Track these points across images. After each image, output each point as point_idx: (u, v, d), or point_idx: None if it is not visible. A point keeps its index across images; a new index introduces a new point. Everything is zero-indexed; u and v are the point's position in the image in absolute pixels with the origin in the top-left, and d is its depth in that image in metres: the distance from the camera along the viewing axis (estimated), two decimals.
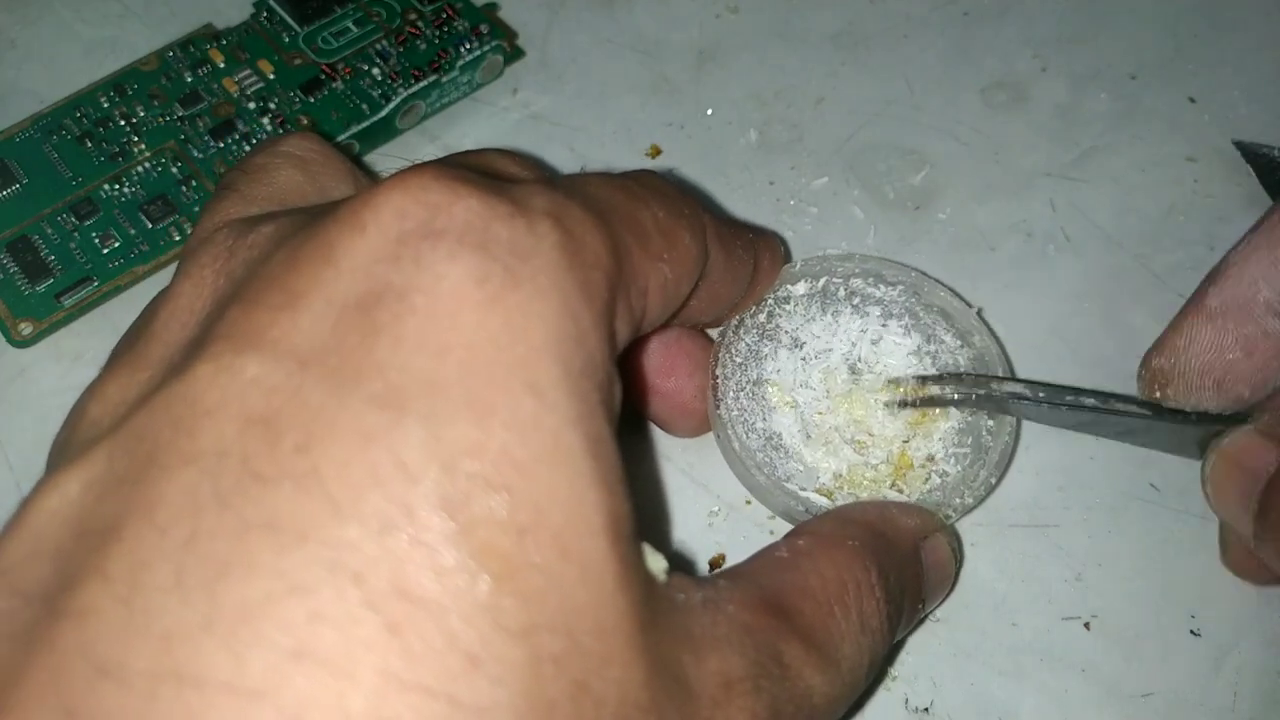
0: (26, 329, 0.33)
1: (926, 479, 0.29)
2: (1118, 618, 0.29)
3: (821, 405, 0.30)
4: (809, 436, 0.30)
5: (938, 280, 0.31)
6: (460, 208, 0.19)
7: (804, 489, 0.29)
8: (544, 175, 0.25)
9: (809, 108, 0.39)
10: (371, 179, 0.26)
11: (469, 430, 0.17)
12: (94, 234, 0.34)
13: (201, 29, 0.39)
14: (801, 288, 0.31)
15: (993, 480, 0.29)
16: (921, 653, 0.29)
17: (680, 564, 0.30)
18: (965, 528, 0.31)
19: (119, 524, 0.16)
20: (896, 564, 0.25)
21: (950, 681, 0.29)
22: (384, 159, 0.37)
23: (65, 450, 0.19)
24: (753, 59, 0.40)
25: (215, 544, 0.16)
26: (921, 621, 0.28)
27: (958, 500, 0.28)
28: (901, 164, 0.37)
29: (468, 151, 0.25)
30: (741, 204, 0.36)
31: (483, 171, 0.23)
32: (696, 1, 0.41)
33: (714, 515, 0.31)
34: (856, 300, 0.31)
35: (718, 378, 0.29)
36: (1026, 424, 0.32)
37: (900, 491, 0.29)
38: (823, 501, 0.29)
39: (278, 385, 0.17)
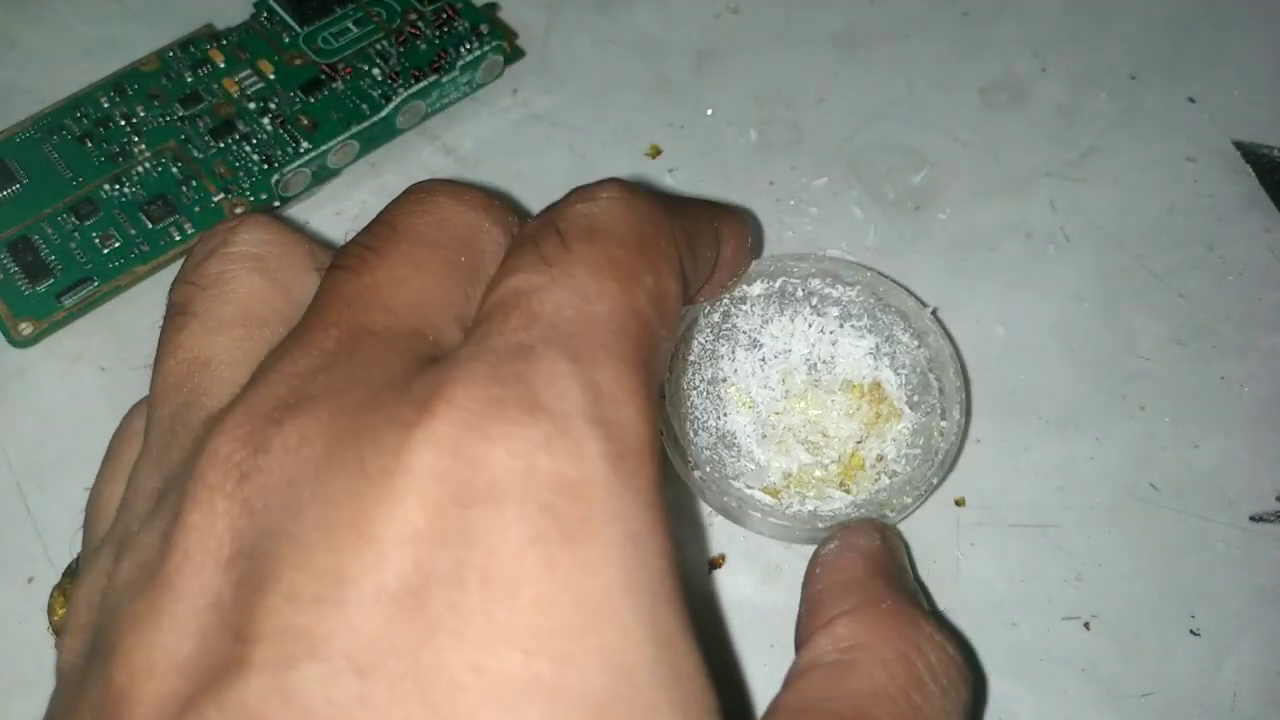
0: (26, 329, 0.33)
1: (876, 479, 0.30)
2: (1118, 618, 0.29)
3: (779, 405, 0.30)
4: (764, 436, 0.30)
5: (894, 280, 0.31)
6: (498, 454, 0.17)
7: (751, 486, 0.29)
8: (510, 220, 0.23)
9: (809, 108, 0.39)
10: (329, 251, 0.25)
11: None
12: (94, 234, 0.34)
13: (201, 29, 0.39)
14: (758, 288, 0.31)
15: (934, 480, 0.29)
16: None
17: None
18: (965, 527, 0.31)
19: None
20: (910, 586, 0.26)
21: None
22: (384, 159, 0.37)
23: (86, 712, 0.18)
24: (753, 59, 0.40)
25: None
26: None
27: (898, 500, 0.29)
28: (901, 164, 0.37)
29: (414, 195, 0.23)
30: (741, 204, 0.36)
31: (455, 241, 0.22)
32: (696, 1, 0.41)
33: (711, 514, 0.31)
34: (815, 301, 0.31)
35: (666, 375, 0.29)
36: (1026, 427, 0.32)
37: (848, 491, 0.29)
38: (766, 500, 0.29)
39: (338, 699, 0.16)
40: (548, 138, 0.38)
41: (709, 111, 0.38)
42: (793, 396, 0.31)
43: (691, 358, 0.30)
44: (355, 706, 0.16)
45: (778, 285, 0.31)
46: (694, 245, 0.25)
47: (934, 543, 0.30)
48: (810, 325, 0.31)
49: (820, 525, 0.28)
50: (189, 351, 0.23)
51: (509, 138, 0.38)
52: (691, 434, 0.30)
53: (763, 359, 0.31)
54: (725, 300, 0.31)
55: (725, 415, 0.30)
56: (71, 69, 0.38)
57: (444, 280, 0.22)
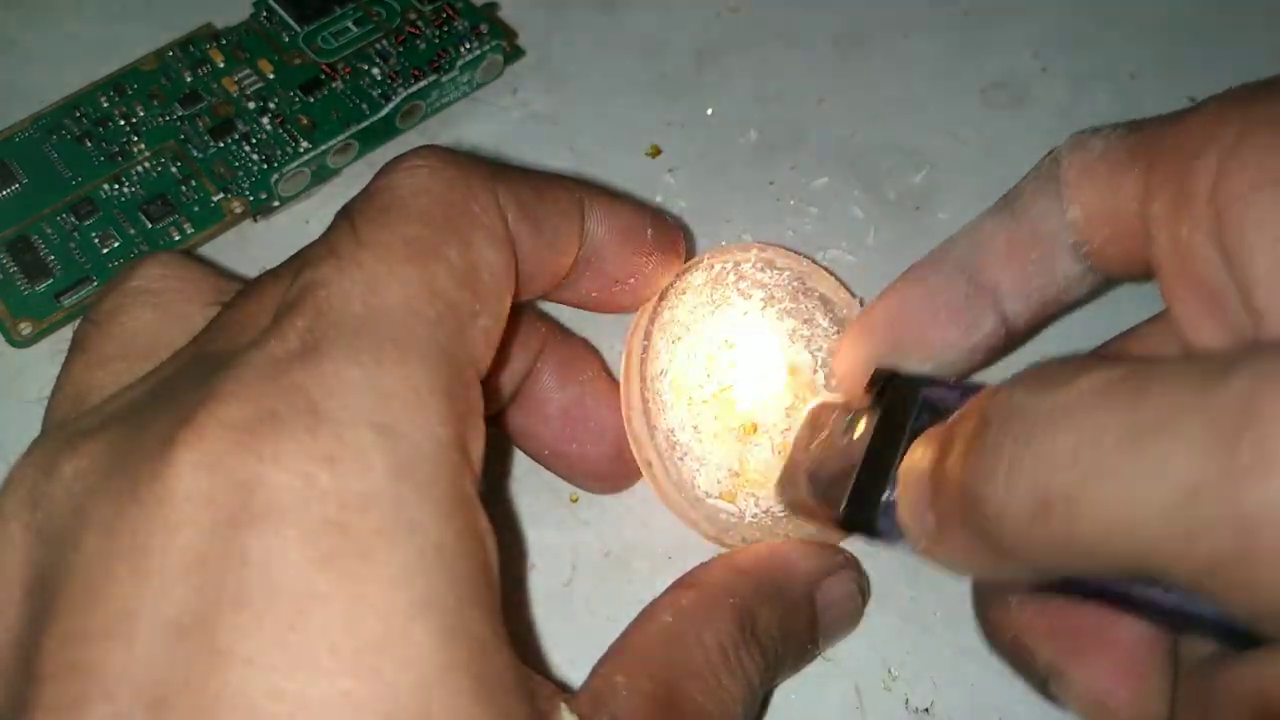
0: (26, 329, 0.33)
1: None
2: None
3: (706, 394, 0.30)
4: (698, 429, 0.29)
5: (827, 269, 0.31)
6: (274, 473, 0.17)
7: (710, 495, 0.29)
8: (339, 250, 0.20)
9: (809, 108, 0.38)
10: (238, 284, 0.24)
11: None
12: (94, 234, 0.34)
13: (201, 29, 0.39)
14: (700, 277, 0.30)
15: None
16: (921, 653, 0.29)
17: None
18: None
19: None
20: (781, 613, 0.26)
21: (950, 681, 0.29)
22: (384, 159, 0.37)
23: None
24: (753, 59, 0.40)
25: None
26: (812, 660, 0.28)
27: None
28: (901, 164, 0.37)
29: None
30: (741, 204, 0.36)
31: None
32: (696, 1, 0.41)
33: None
34: (743, 285, 0.30)
35: (628, 380, 0.28)
36: None
37: None
38: (727, 507, 0.29)
39: None
40: (548, 138, 0.38)
41: (709, 111, 0.38)
42: (720, 384, 0.30)
43: (637, 359, 0.29)
44: None
45: (715, 272, 0.30)
46: (534, 213, 0.23)
47: None
48: (734, 308, 0.30)
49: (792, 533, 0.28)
50: (73, 386, 0.23)
51: (509, 137, 0.38)
52: (649, 439, 0.28)
53: (691, 347, 0.30)
54: (671, 293, 0.29)
55: (665, 412, 0.29)
56: (71, 69, 0.38)
57: None
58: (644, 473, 0.28)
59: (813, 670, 0.29)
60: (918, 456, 0.22)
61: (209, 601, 0.16)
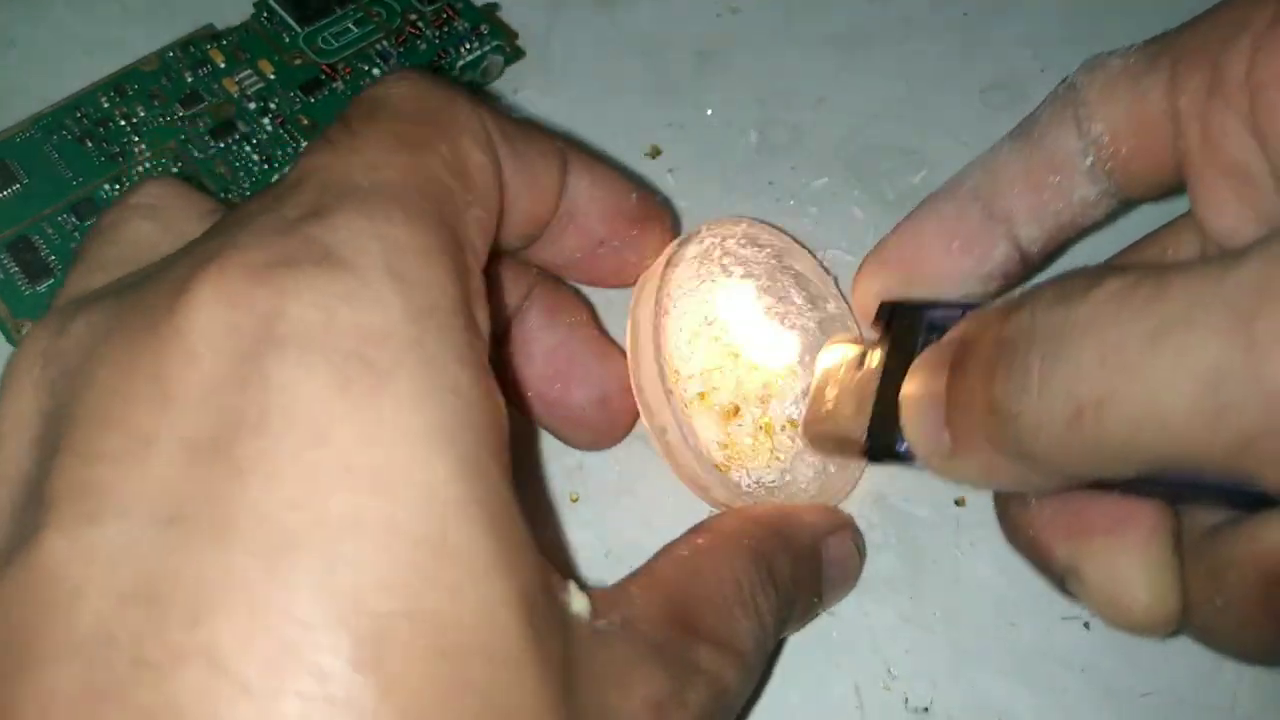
0: (27, 329, 0.33)
1: (793, 443, 0.30)
2: None
3: (689, 369, 0.30)
4: (687, 406, 0.30)
5: (805, 247, 0.31)
6: (295, 307, 0.17)
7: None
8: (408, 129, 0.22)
9: (809, 108, 0.39)
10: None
11: (366, 562, 0.16)
12: None
13: (201, 29, 0.39)
14: (693, 250, 0.30)
15: (857, 475, 0.30)
16: (921, 653, 0.29)
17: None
18: (965, 527, 0.31)
19: None
20: (791, 561, 0.26)
21: (950, 681, 0.29)
22: None
23: None
24: (753, 59, 0.40)
25: None
26: (816, 615, 0.29)
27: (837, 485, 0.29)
28: (901, 164, 0.37)
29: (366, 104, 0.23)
30: (742, 204, 0.36)
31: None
32: (696, 1, 0.41)
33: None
34: (726, 261, 0.31)
35: (638, 346, 0.28)
36: None
37: (779, 459, 0.30)
38: (727, 479, 0.29)
39: (146, 551, 0.16)
40: None
41: (709, 111, 0.38)
42: (701, 362, 0.30)
43: (654, 323, 0.29)
44: (164, 553, 0.16)
45: (704, 247, 0.30)
46: (516, 142, 0.24)
47: (934, 543, 0.30)
48: (715, 285, 0.30)
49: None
50: (72, 289, 0.23)
51: None
52: (666, 403, 0.28)
53: (675, 320, 0.30)
54: (663, 265, 0.29)
55: (679, 377, 0.29)
56: (71, 69, 0.38)
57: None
58: (656, 442, 0.28)
59: (812, 670, 0.29)
60: (921, 379, 0.23)
61: (228, 424, 0.17)
